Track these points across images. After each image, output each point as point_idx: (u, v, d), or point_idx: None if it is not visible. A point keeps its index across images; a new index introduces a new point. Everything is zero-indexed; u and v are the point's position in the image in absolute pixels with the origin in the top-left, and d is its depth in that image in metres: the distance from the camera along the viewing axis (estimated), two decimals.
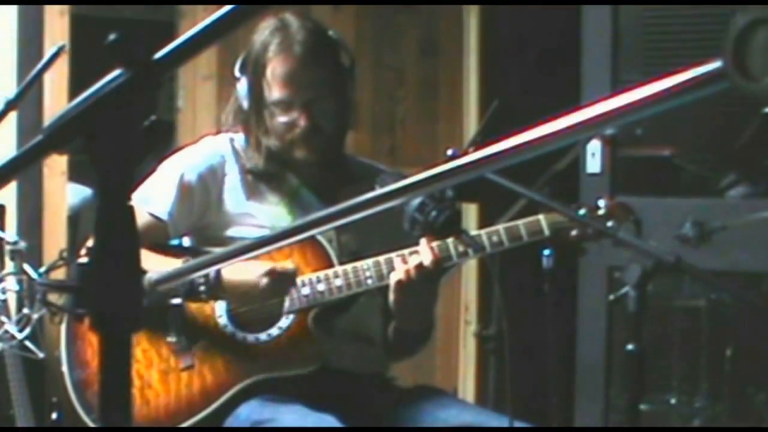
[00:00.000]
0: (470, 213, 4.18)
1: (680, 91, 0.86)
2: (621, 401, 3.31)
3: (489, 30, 4.30)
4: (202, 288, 2.34)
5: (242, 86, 2.50)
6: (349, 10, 4.28)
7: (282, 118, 2.45)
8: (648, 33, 3.48)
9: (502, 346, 2.30)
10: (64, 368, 2.42)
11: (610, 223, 2.32)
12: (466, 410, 2.48)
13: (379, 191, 1.16)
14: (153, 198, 2.46)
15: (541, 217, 2.38)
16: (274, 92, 2.44)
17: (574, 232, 2.38)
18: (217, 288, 2.35)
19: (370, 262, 2.41)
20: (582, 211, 2.38)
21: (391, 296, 2.37)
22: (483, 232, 2.39)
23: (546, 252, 2.43)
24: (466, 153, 2.06)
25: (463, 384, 4.32)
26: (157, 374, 2.41)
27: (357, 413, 2.44)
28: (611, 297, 2.38)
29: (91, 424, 2.38)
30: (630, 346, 2.04)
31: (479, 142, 2.81)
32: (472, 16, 4.32)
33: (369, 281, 2.41)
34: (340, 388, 2.44)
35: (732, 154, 3.43)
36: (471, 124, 4.31)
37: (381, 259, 2.41)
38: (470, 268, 4.09)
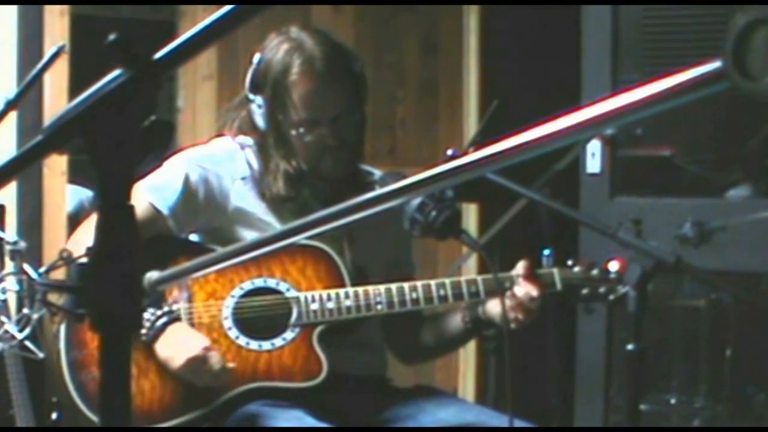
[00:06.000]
0: (470, 213, 4.18)
1: (680, 91, 0.86)
2: (621, 401, 3.31)
3: (489, 30, 4.30)
4: (143, 331, 2.35)
5: (259, 106, 2.48)
6: (349, 10, 4.28)
7: (309, 137, 2.45)
8: (648, 33, 3.48)
9: (502, 346, 2.30)
10: (61, 345, 2.42)
11: (622, 288, 2.33)
12: (466, 410, 2.49)
13: (379, 191, 1.16)
14: (158, 189, 2.46)
15: (555, 270, 2.41)
16: (300, 112, 2.43)
17: (584, 291, 2.41)
18: (154, 340, 2.35)
19: (382, 288, 2.42)
20: (594, 272, 2.43)
21: (481, 316, 2.48)
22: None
23: (546, 252, 2.43)
24: (466, 153, 2.07)
25: (463, 384, 4.32)
26: (156, 366, 2.41)
27: (357, 414, 2.44)
28: (611, 297, 2.38)
29: (82, 406, 2.37)
30: (630, 346, 2.04)
31: (479, 142, 2.81)
32: (472, 16, 4.32)
33: (379, 306, 2.41)
34: (340, 390, 2.44)
35: (738, 157, 3.42)
36: (471, 124, 4.31)
37: (393, 287, 2.42)
38: (470, 269, 4.09)
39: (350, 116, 2.48)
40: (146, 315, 2.34)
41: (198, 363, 2.32)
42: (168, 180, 2.47)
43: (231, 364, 2.37)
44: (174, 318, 2.36)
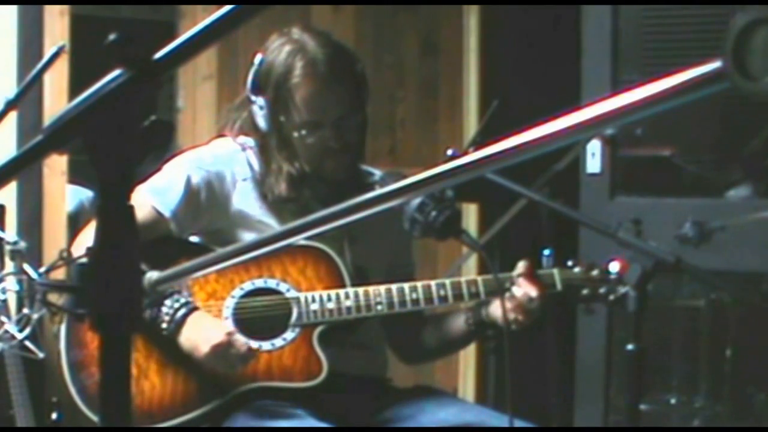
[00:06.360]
0: (470, 213, 4.18)
1: (680, 91, 0.86)
2: (621, 401, 3.31)
3: (489, 30, 4.30)
4: (164, 325, 2.35)
5: (260, 107, 2.47)
6: (349, 10, 4.28)
7: (311, 139, 2.44)
8: (648, 33, 3.48)
9: (502, 346, 2.30)
10: (61, 345, 2.42)
11: (622, 289, 2.33)
12: (466, 410, 2.49)
13: (379, 191, 1.16)
14: (159, 192, 2.46)
15: (555, 270, 2.41)
16: (303, 114, 2.42)
17: (584, 291, 2.41)
18: (176, 332, 2.35)
19: (382, 289, 2.42)
20: (595, 272, 2.42)
21: (484, 317, 2.46)
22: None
23: (546, 252, 2.43)
24: (466, 153, 2.07)
25: (463, 384, 4.32)
26: (156, 366, 2.41)
27: (357, 414, 2.44)
28: (611, 297, 2.38)
29: (82, 406, 2.38)
30: (630, 346, 2.04)
31: (479, 142, 2.81)
32: (472, 16, 4.32)
33: (379, 307, 2.42)
34: (340, 390, 2.44)
35: (738, 157, 3.42)
36: (471, 124, 4.32)
37: (393, 287, 2.42)
38: (470, 269, 4.10)
39: (352, 118, 2.47)
40: (164, 309, 2.34)
41: (223, 349, 2.32)
42: (170, 183, 2.46)
43: (255, 345, 2.37)
44: (192, 308, 2.36)
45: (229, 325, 2.38)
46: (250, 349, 2.35)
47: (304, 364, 2.42)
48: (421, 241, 2.50)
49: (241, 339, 2.35)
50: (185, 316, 2.34)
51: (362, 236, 2.53)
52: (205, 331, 2.34)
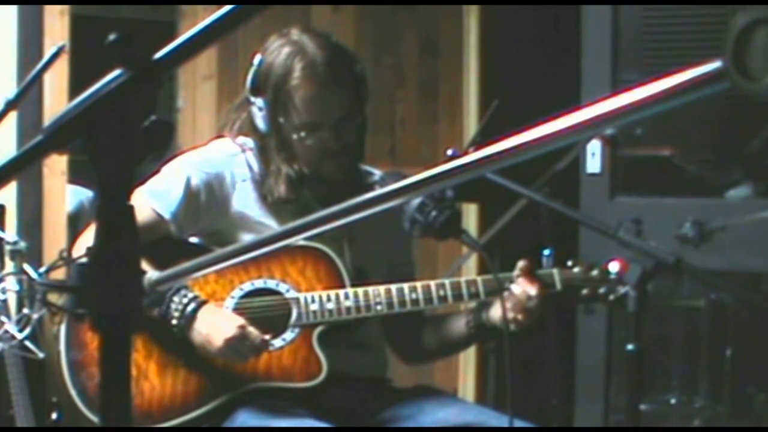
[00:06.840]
0: (470, 213, 4.18)
1: (680, 91, 0.86)
2: (621, 401, 3.31)
3: (489, 30, 4.30)
4: (174, 321, 2.35)
5: (260, 108, 2.46)
6: (349, 10, 4.28)
7: (310, 141, 2.44)
8: (648, 33, 3.48)
9: (502, 346, 2.30)
10: (61, 345, 2.42)
11: (622, 289, 2.33)
12: (466, 410, 2.49)
13: (379, 191, 1.16)
14: (159, 194, 2.45)
15: (555, 270, 2.41)
16: (302, 115, 2.42)
17: (584, 291, 2.41)
18: (187, 328, 2.35)
19: (381, 289, 2.42)
20: (595, 272, 2.42)
21: (485, 319, 2.46)
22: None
23: (546, 252, 2.43)
24: (466, 153, 2.07)
25: (463, 384, 4.32)
26: (155, 366, 2.41)
27: (357, 414, 2.45)
28: (611, 297, 2.38)
29: (82, 406, 2.38)
30: (630, 346, 2.04)
31: (479, 142, 2.81)
32: (472, 16, 4.32)
33: (378, 307, 2.42)
34: (341, 391, 2.44)
35: (738, 157, 3.42)
36: (471, 124, 4.31)
37: (393, 288, 2.42)
38: (470, 269, 4.10)
39: (352, 119, 2.47)
40: (173, 305, 2.34)
41: (236, 342, 2.32)
42: (169, 185, 2.46)
43: (267, 336, 2.37)
44: (201, 302, 2.36)
45: (240, 318, 2.37)
46: (263, 340, 2.35)
47: (304, 365, 2.42)
48: (421, 241, 2.50)
49: (254, 331, 2.35)
50: (195, 310, 2.35)
51: (362, 236, 2.53)
52: (217, 324, 2.34)
